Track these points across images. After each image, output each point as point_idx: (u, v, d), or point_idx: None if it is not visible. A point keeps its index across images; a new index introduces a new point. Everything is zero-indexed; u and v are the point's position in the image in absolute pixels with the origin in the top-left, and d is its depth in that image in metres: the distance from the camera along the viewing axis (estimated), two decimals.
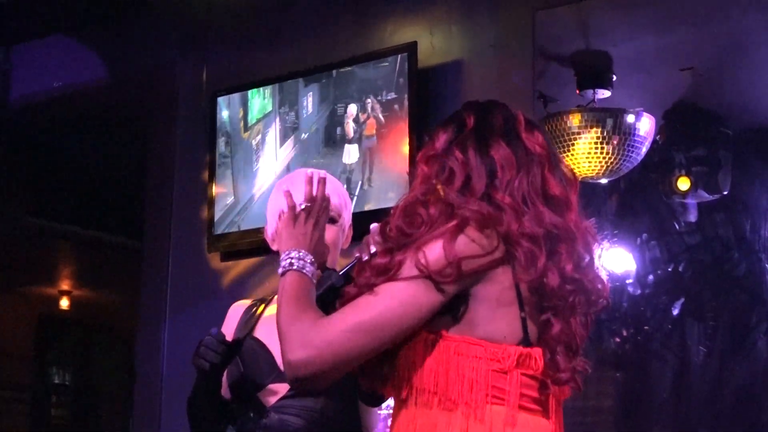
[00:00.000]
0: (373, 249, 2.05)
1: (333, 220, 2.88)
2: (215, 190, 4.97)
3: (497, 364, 1.97)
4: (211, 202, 4.98)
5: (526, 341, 2.01)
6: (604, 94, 5.44)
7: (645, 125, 5.36)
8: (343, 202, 2.96)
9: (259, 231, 4.40)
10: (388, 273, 1.97)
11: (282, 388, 2.81)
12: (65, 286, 10.53)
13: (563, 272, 2.02)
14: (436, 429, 1.96)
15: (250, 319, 2.96)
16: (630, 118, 5.27)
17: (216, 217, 4.93)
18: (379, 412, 2.94)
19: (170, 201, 5.28)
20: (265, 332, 2.90)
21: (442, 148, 2.10)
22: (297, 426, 2.77)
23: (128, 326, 7.31)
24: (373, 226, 2.12)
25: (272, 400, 2.81)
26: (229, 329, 2.96)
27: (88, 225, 8.61)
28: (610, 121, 5.21)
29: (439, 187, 2.05)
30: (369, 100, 4.55)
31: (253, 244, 4.66)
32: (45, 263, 9.75)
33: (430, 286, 1.96)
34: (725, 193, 5.61)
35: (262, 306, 3.01)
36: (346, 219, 2.95)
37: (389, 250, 2.01)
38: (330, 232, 2.85)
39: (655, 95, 5.73)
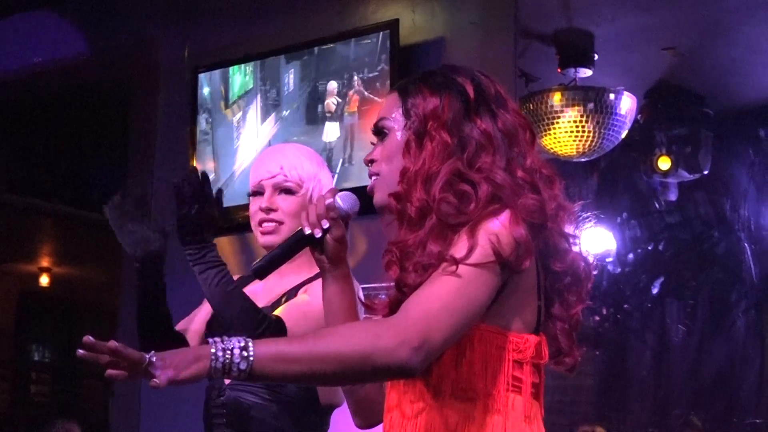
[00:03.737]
0: (326, 224, 2.01)
1: (290, 191, 2.86)
2: (196, 167, 4.96)
3: (518, 355, 1.92)
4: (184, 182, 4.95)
5: (537, 330, 1.97)
6: (585, 73, 5.45)
7: (626, 104, 5.38)
8: (308, 174, 2.91)
9: (240, 208, 4.42)
10: (459, 256, 1.85)
11: None
12: (45, 263, 10.52)
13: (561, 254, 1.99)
14: (455, 419, 1.90)
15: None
16: (611, 97, 5.29)
17: None
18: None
19: (151, 177, 5.26)
20: None
21: (456, 117, 1.98)
22: (251, 403, 2.76)
23: (110, 303, 7.29)
24: (329, 201, 2.02)
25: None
26: (203, 306, 2.97)
27: (69, 201, 8.59)
28: (591, 100, 5.22)
29: (475, 162, 1.95)
30: (351, 78, 4.54)
31: (234, 221, 4.64)
32: (25, 240, 9.72)
33: (498, 271, 1.87)
34: (706, 172, 5.63)
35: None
36: (314, 189, 2.90)
37: (413, 223, 1.94)
38: (287, 202, 2.84)
39: (636, 74, 5.74)
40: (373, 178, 2.05)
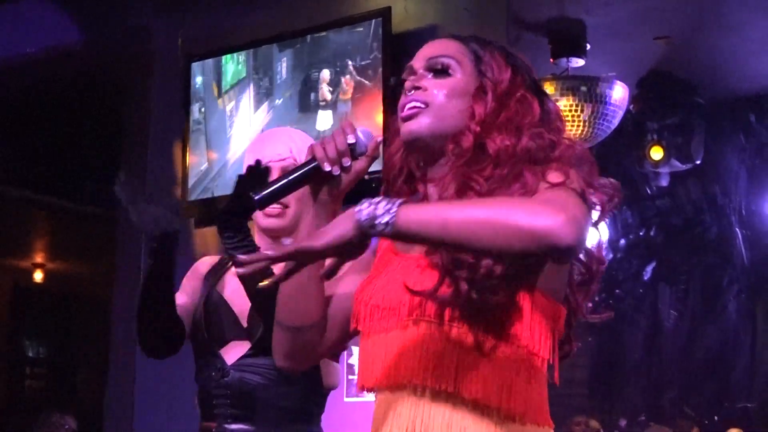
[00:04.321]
0: (347, 162, 1.92)
1: None
2: (189, 156, 4.97)
3: (553, 324, 1.88)
4: (185, 168, 4.97)
5: (562, 301, 1.93)
6: (578, 62, 5.45)
7: (618, 93, 5.39)
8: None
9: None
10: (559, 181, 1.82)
11: (243, 347, 2.82)
12: (39, 258, 10.51)
13: None
14: (505, 372, 1.85)
15: (217, 273, 2.96)
16: (603, 87, 5.30)
17: (190, 184, 4.93)
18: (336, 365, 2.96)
19: (144, 167, 5.27)
20: (230, 287, 2.90)
21: (519, 89, 1.98)
22: (255, 384, 2.78)
23: (104, 297, 7.29)
24: (351, 137, 1.93)
25: (233, 358, 2.82)
26: (192, 283, 2.95)
27: (62, 194, 8.58)
28: (583, 90, 5.23)
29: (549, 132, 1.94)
30: (344, 65, 4.55)
31: None
32: (19, 234, 9.71)
33: None
34: (698, 162, 5.64)
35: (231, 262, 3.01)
36: None
37: (478, 163, 1.90)
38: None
39: (629, 64, 5.75)
40: (418, 105, 1.96)
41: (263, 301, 2.63)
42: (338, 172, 1.91)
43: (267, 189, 1.90)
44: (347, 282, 2.03)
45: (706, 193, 4.59)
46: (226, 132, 4.88)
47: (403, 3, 4.58)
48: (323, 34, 4.65)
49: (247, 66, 4.86)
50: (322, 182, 1.94)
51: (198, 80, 5.00)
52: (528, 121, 1.94)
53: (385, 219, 1.76)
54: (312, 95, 4.64)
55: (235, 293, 2.84)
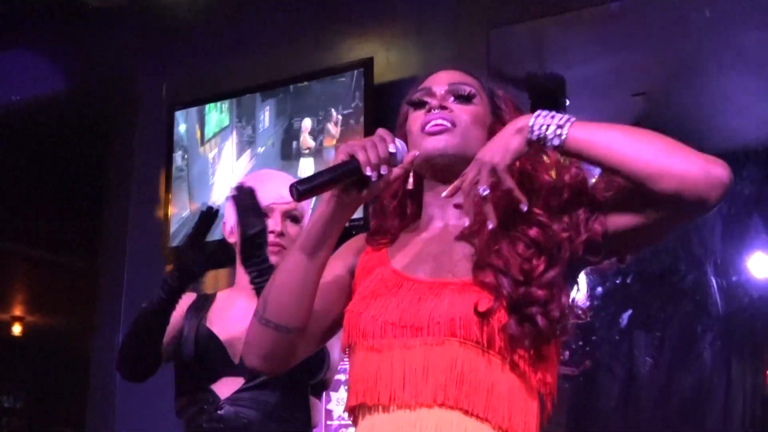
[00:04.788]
0: (384, 170, 1.87)
1: (297, 219, 2.93)
2: (171, 202, 5.00)
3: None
4: (167, 215, 5.01)
5: None
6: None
7: None
8: (308, 206, 3.02)
9: (215, 244, 4.46)
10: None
11: (236, 382, 2.84)
12: (18, 311, 10.47)
13: None
14: (528, 406, 1.87)
15: (201, 308, 2.99)
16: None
17: (172, 230, 4.96)
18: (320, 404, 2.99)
19: (127, 214, 5.31)
20: (217, 323, 2.93)
21: None
22: (251, 418, 2.80)
23: (83, 351, 7.26)
24: (392, 147, 1.90)
25: (226, 393, 2.84)
26: (174, 317, 2.94)
27: (43, 245, 8.56)
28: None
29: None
30: (327, 114, 4.61)
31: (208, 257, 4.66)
32: None
33: None
34: None
35: (214, 293, 3.04)
36: (307, 221, 3.00)
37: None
38: (295, 230, 2.91)
39: (607, 120, 5.80)
40: (445, 124, 1.98)
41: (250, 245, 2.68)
42: (375, 179, 1.87)
43: (309, 183, 1.85)
44: (332, 268, 2.01)
45: (683, 242, 4.63)
46: (209, 179, 4.92)
47: (385, 54, 4.65)
48: (306, 83, 4.71)
49: (230, 114, 4.92)
50: (355, 185, 1.89)
51: (181, 128, 5.05)
52: (544, 162, 1.97)
53: (558, 132, 1.83)
54: (294, 143, 4.69)
55: (224, 330, 2.86)
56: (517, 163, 1.92)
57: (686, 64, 5.19)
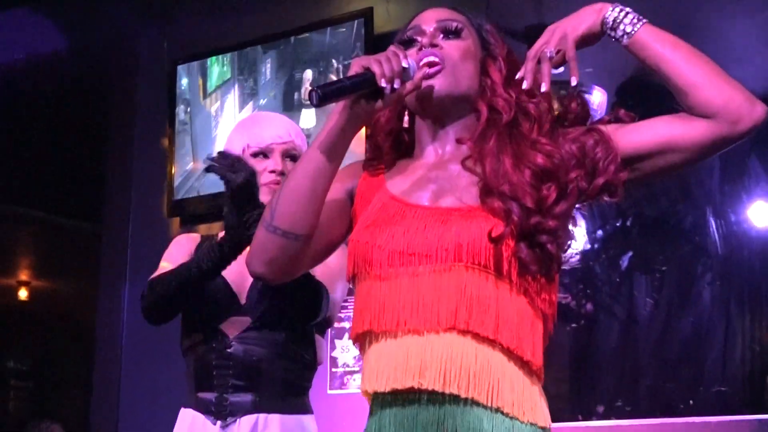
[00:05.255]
0: (398, 84, 1.91)
1: (295, 159, 2.94)
2: (175, 156, 5.04)
3: None
4: (170, 168, 5.05)
5: None
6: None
7: (597, 98, 5.46)
8: (304, 145, 3.04)
9: (218, 196, 4.50)
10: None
11: (243, 321, 2.89)
12: (24, 276, 10.50)
13: None
14: (535, 329, 1.94)
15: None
16: (582, 92, 5.36)
17: (176, 183, 5.00)
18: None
19: (130, 170, 5.34)
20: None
21: (517, 61, 2.12)
22: (261, 356, 2.85)
23: (88, 314, 7.30)
24: (405, 62, 1.94)
25: (234, 332, 2.88)
26: (177, 257, 2.96)
27: (48, 208, 8.57)
28: (563, 94, 5.30)
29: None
30: (328, 64, 4.63)
31: (212, 209, 4.71)
32: (2, 251, 9.71)
33: None
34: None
35: (217, 235, 3.07)
36: None
37: (503, 125, 2.01)
38: None
39: (607, 71, 5.82)
40: (436, 64, 1.99)
41: (240, 193, 2.66)
42: (389, 91, 1.90)
43: (329, 87, 1.89)
44: (331, 191, 2.04)
45: (681, 183, 4.66)
46: (211, 132, 4.96)
47: (384, 4, 4.67)
48: (306, 35, 4.73)
49: (232, 67, 4.95)
50: (369, 96, 1.91)
51: (183, 82, 5.08)
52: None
53: (628, 29, 2.00)
54: (296, 95, 4.73)
55: (229, 270, 2.90)
56: (525, 84, 1.98)
57: (686, 12, 5.19)
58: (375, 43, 4.55)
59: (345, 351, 4.45)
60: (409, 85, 1.94)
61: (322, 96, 1.86)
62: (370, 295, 1.94)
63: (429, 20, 2.08)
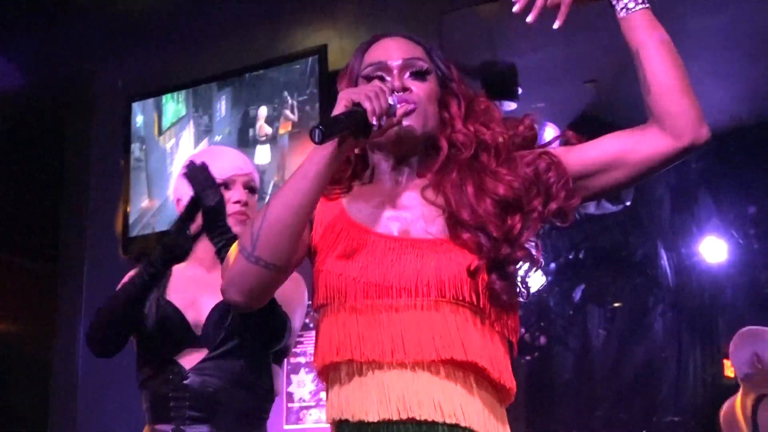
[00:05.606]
0: (384, 120, 1.96)
1: (254, 190, 3.01)
2: (130, 194, 5.04)
3: None
4: (126, 206, 5.04)
5: None
6: (510, 105, 5.56)
7: (549, 136, 5.50)
8: (258, 176, 3.09)
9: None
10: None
11: (199, 353, 2.89)
12: None
13: None
14: (507, 359, 2.01)
15: (160, 282, 3.02)
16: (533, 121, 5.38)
17: (131, 220, 4.99)
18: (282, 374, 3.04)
19: (85, 208, 5.32)
20: (177, 296, 2.97)
21: (476, 95, 2.18)
22: (216, 386, 2.85)
23: (44, 354, 7.20)
24: (392, 100, 1.99)
25: (190, 363, 2.88)
26: None
27: (0, 248, 8.48)
28: (509, 118, 5.31)
29: None
30: (282, 101, 4.66)
31: None
32: None
33: None
34: (628, 203, 5.76)
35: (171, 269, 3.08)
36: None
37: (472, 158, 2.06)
38: (253, 200, 2.98)
39: (560, 108, 5.88)
40: (410, 105, 2.02)
41: (211, 214, 2.75)
42: (377, 128, 1.94)
43: (329, 128, 1.90)
44: None
45: (632, 216, 4.72)
46: (167, 169, 4.96)
47: (338, 41, 4.70)
48: (261, 72, 4.76)
49: (187, 104, 4.96)
50: (358, 131, 1.94)
51: (138, 119, 5.09)
52: (495, 118, 2.10)
53: (631, 5, 2.05)
54: (250, 131, 4.74)
55: (184, 301, 2.91)
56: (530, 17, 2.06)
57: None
58: (329, 80, 4.59)
59: (301, 386, 4.45)
60: (390, 122, 1.98)
61: (325, 133, 1.88)
62: (346, 326, 1.96)
63: (394, 56, 2.10)
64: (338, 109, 1.93)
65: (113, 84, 5.27)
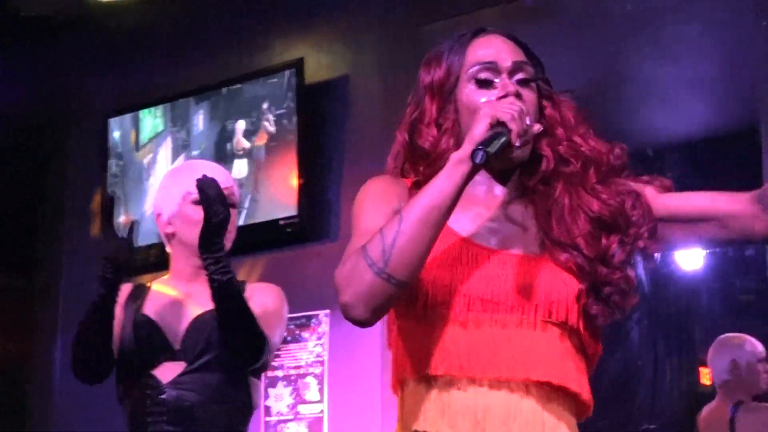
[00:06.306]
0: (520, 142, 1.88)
1: (234, 205, 3.02)
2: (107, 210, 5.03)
3: None
4: (102, 222, 5.02)
5: None
6: None
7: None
8: (237, 191, 3.11)
9: (151, 247, 4.49)
10: None
11: (176, 367, 2.90)
12: None
13: None
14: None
15: (138, 296, 3.04)
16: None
17: None
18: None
19: (62, 224, 5.32)
20: (155, 310, 2.98)
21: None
22: (194, 401, 2.87)
23: (20, 372, 7.17)
24: (528, 121, 1.90)
25: (167, 377, 2.89)
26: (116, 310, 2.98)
27: None
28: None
29: None
30: (260, 114, 4.67)
31: (145, 261, 4.69)
32: None
33: None
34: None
35: (149, 283, 3.10)
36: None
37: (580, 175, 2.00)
38: (233, 216, 2.98)
39: None
40: (540, 126, 1.95)
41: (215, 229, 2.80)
42: (518, 144, 1.87)
43: (491, 149, 1.84)
44: (385, 210, 1.99)
45: None
46: (144, 184, 4.96)
47: (315, 55, 4.72)
48: (238, 86, 4.77)
49: (165, 119, 4.97)
50: (497, 151, 1.86)
51: (115, 135, 5.09)
52: (591, 131, 2.04)
53: None
54: (228, 145, 4.75)
55: (162, 316, 2.93)
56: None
57: (609, 59, 5.28)
58: (306, 92, 4.61)
59: (279, 400, 4.45)
60: (528, 141, 1.92)
61: (489, 154, 1.83)
62: (446, 338, 1.90)
63: (504, 57, 2.00)
64: (481, 126, 1.84)
65: (90, 100, 5.28)
